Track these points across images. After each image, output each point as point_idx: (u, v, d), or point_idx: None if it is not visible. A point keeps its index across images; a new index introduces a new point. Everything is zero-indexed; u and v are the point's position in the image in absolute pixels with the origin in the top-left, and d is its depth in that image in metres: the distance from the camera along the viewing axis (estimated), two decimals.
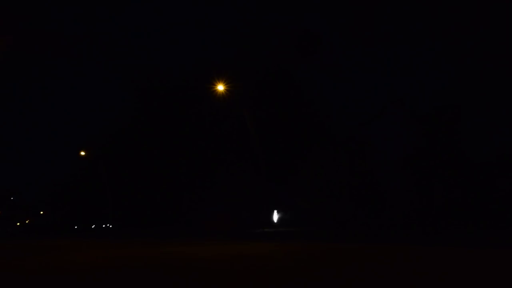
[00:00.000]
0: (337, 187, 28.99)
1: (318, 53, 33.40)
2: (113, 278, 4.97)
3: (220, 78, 24.15)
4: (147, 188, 35.94)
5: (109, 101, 69.03)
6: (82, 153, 39.55)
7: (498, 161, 24.77)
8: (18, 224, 74.63)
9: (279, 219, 32.73)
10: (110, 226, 49.02)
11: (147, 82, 36.30)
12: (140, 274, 5.24)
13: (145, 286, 4.25)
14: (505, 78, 27.57)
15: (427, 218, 24.31)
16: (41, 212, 70.28)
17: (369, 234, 16.08)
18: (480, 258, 6.12)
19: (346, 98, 46.07)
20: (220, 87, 24.16)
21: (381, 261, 5.94)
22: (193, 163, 33.70)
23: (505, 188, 23.23)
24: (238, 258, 6.94)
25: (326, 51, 44.10)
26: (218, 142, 32.16)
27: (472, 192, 24.30)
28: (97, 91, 79.53)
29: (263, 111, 30.40)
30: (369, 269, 5.06)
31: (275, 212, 32.76)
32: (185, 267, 5.83)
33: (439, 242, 9.87)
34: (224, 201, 31.69)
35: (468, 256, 6.45)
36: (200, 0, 59.70)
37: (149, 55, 58.23)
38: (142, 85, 36.59)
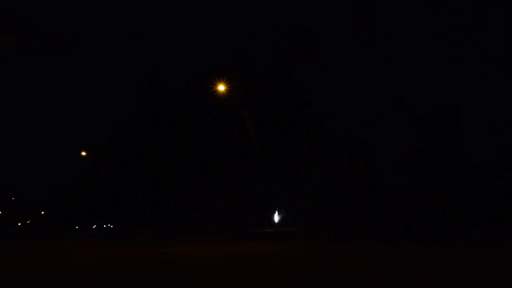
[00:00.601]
0: (337, 187, 29.01)
1: (318, 53, 33.50)
2: (113, 278, 4.98)
3: (220, 78, 24.18)
4: (147, 188, 35.97)
5: (109, 101, 69.28)
6: (83, 153, 39.58)
7: (498, 161, 24.78)
8: (19, 224, 74.74)
9: (279, 219, 32.75)
10: (111, 226, 49.06)
11: (147, 82, 36.38)
12: (140, 274, 5.25)
13: (145, 286, 4.26)
14: (505, 78, 27.60)
15: (427, 218, 24.33)
16: (42, 212, 70.37)
17: (369, 234, 16.08)
18: (480, 258, 6.13)
19: (346, 98, 46.21)
20: (221, 87, 24.18)
21: (381, 261, 5.95)
22: (193, 163, 33.72)
23: (505, 188, 23.24)
24: (238, 258, 6.94)
25: (326, 51, 44.20)
26: (218, 142, 32.18)
27: (472, 192, 24.31)
28: (97, 91, 79.75)
29: (263, 111, 30.43)
30: (369, 269, 5.07)
31: (276, 212, 32.78)
32: (185, 267, 5.84)
33: (439, 242, 9.88)
34: (224, 201, 31.71)
35: (468, 256, 6.46)
36: (200, 0, 59.77)
37: (149, 55, 58.40)
38: (142, 85, 36.67)
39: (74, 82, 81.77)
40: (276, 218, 32.78)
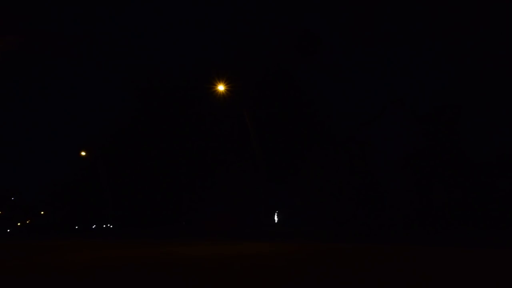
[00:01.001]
0: (337, 187, 29.00)
1: (318, 53, 33.46)
2: (113, 278, 4.98)
3: (220, 78, 24.18)
4: (147, 188, 35.96)
5: (109, 101, 68.95)
6: (83, 153, 39.56)
7: (498, 161, 24.79)
8: (18, 224, 74.70)
9: (279, 219, 32.76)
10: (111, 226, 49.04)
11: (147, 82, 36.35)
12: (140, 274, 5.25)
13: (145, 286, 4.26)
14: (505, 78, 27.59)
15: (427, 218, 24.33)
16: (42, 212, 70.30)
17: (369, 234, 16.08)
18: (480, 258, 6.12)
19: (346, 98, 46.10)
20: (221, 87, 24.18)
21: (381, 261, 5.94)
22: (193, 163, 33.72)
23: (505, 188, 23.24)
24: (238, 258, 6.94)
25: (326, 51, 44.13)
26: (218, 142, 32.18)
27: (472, 192, 24.31)
28: (97, 91, 79.50)
29: (263, 111, 30.42)
30: (369, 269, 5.07)
31: (275, 212, 32.79)
32: (185, 267, 5.83)
33: (439, 242, 9.87)
34: (224, 201, 31.72)
35: (468, 256, 6.46)
36: (200, 0, 59.73)
37: (149, 55, 58.23)
38: (142, 85, 36.64)
39: (74, 82, 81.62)
40: (276, 218, 32.78)
